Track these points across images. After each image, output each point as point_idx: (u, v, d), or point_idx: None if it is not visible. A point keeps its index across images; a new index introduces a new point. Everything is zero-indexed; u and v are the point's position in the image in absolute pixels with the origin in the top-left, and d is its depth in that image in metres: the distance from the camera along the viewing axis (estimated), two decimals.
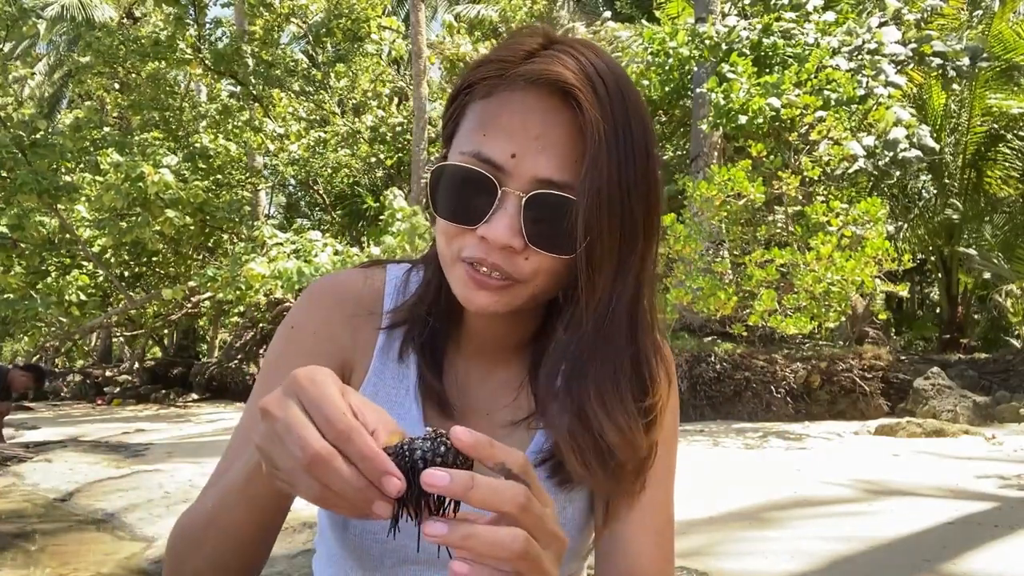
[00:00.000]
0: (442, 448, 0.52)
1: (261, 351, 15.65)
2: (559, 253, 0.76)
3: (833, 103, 9.46)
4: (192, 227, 14.26)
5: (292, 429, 0.54)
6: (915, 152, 9.93)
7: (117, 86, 19.43)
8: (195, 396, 15.61)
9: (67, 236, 13.88)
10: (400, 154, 18.13)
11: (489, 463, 0.54)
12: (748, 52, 10.15)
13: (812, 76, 9.67)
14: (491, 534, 0.52)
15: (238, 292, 11.24)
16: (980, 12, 13.69)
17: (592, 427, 0.78)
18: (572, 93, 0.74)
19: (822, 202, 9.08)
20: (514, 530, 0.53)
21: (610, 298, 0.78)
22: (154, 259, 16.18)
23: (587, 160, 0.74)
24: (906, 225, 14.51)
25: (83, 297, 14.30)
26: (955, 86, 12.70)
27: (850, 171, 10.16)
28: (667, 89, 11.50)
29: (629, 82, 0.78)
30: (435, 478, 0.50)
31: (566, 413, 0.78)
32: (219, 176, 16.49)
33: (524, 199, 0.74)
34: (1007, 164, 14.07)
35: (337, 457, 0.52)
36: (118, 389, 17.41)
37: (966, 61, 11.29)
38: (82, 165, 14.32)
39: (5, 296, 13.63)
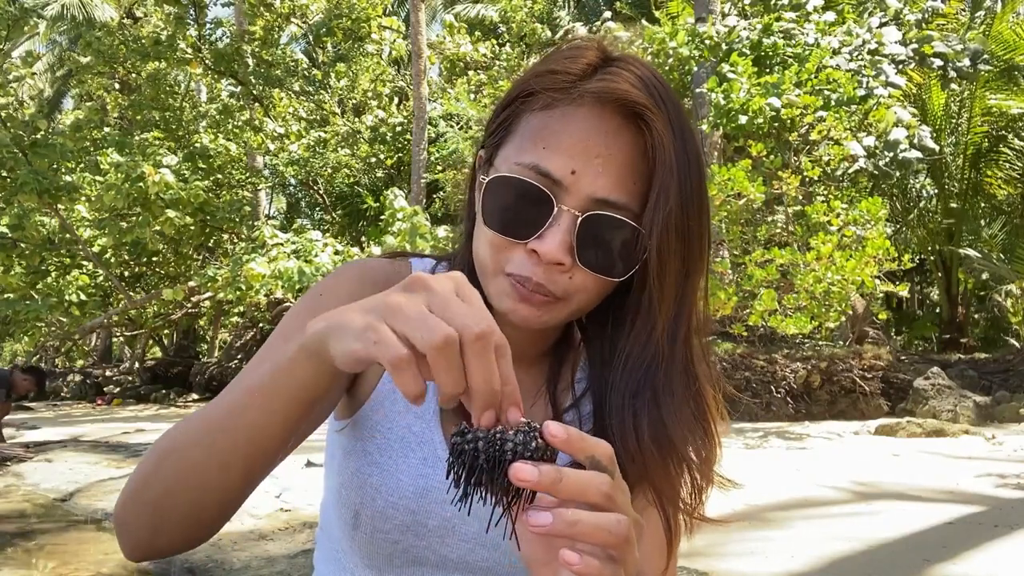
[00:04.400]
0: (533, 444, 0.53)
1: None
2: (607, 275, 0.76)
3: (833, 103, 9.46)
4: (192, 227, 14.26)
5: (420, 314, 0.54)
6: (915, 153, 9.93)
7: (117, 86, 19.44)
8: (195, 396, 15.61)
9: (67, 236, 13.88)
10: (400, 154, 18.14)
11: (579, 456, 0.54)
12: (748, 52, 10.15)
13: (812, 76, 9.67)
14: (598, 519, 0.52)
15: (238, 292, 11.24)
16: (982, 13, 13.69)
17: (671, 439, 0.77)
18: (644, 116, 0.74)
19: (822, 202, 9.08)
20: (620, 515, 0.53)
21: (674, 320, 0.79)
22: (154, 259, 16.18)
23: (657, 185, 0.74)
24: (906, 226, 14.51)
25: (83, 297, 14.30)
26: (955, 86, 12.70)
27: (850, 171, 10.16)
28: None
29: (679, 101, 0.79)
30: (524, 472, 0.51)
31: (644, 426, 0.78)
32: (219, 176, 16.50)
33: (580, 218, 0.74)
34: (1007, 165, 14.08)
35: (459, 351, 0.53)
36: (118, 389, 17.42)
37: (966, 62, 11.29)
38: (82, 165, 14.32)
39: (5, 296, 13.64)
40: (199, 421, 0.72)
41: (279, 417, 0.66)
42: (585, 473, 0.53)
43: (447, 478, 0.54)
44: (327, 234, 14.47)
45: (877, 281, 8.42)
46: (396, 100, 19.40)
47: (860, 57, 10.40)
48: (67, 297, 13.97)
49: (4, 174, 12.23)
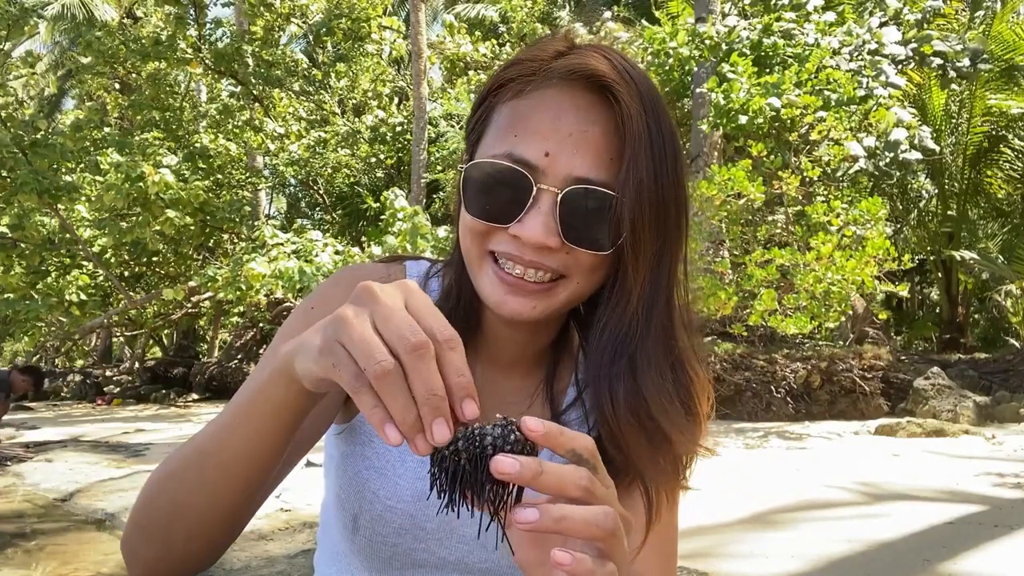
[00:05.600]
0: (512, 437, 0.52)
1: (261, 351, 15.65)
2: (597, 250, 0.75)
3: (833, 103, 9.45)
4: (192, 227, 14.26)
5: (362, 337, 0.54)
6: (915, 154, 9.93)
7: (117, 86, 19.43)
8: (195, 396, 15.60)
9: (67, 236, 13.88)
10: (400, 154, 18.14)
11: (559, 451, 0.54)
12: (748, 52, 10.14)
13: (812, 76, 9.66)
14: (585, 513, 0.52)
15: (239, 292, 11.23)
16: (981, 13, 13.68)
17: (647, 406, 0.76)
18: (610, 88, 0.73)
19: (822, 202, 9.08)
20: (607, 508, 0.53)
21: (651, 290, 0.78)
22: (154, 259, 16.17)
23: (627, 154, 0.73)
24: (906, 227, 14.51)
25: (83, 297, 14.29)
26: (955, 86, 12.69)
27: (850, 172, 10.16)
28: (667, 89, 11.49)
29: (651, 80, 0.78)
30: (505, 465, 0.51)
31: (620, 393, 0.77)
32: (219, 176, 16.50)
33: (560, 196, 0.72)
34: (1007, 165, 14.07)
35: (400, 375, 0.52)
36: (118, 389, 17.40)
37: (966, 62, 11.29)
38: (82, 165, 14.32)
39: (5, 296, 13.63)
40: (191, 446, 0.73)
41: (262, 437, 0.67)
42: (565, 467, 0.53)
43: (431, 490, 0.54)
44: (327, 234, 14.46)
45: (877, 281, 8.41)
46: (396, 100, 19.40)
47: (860, 57, 10.40)
48: (67, 297, 13.96)
49: (4, 174, 12.22)
